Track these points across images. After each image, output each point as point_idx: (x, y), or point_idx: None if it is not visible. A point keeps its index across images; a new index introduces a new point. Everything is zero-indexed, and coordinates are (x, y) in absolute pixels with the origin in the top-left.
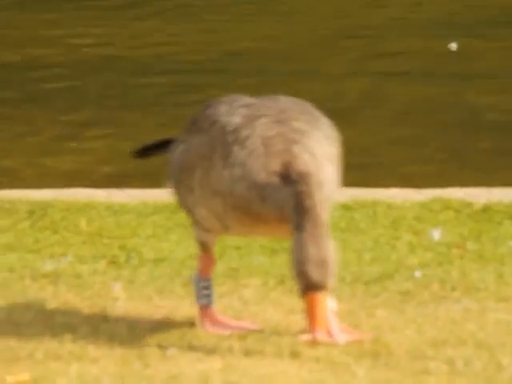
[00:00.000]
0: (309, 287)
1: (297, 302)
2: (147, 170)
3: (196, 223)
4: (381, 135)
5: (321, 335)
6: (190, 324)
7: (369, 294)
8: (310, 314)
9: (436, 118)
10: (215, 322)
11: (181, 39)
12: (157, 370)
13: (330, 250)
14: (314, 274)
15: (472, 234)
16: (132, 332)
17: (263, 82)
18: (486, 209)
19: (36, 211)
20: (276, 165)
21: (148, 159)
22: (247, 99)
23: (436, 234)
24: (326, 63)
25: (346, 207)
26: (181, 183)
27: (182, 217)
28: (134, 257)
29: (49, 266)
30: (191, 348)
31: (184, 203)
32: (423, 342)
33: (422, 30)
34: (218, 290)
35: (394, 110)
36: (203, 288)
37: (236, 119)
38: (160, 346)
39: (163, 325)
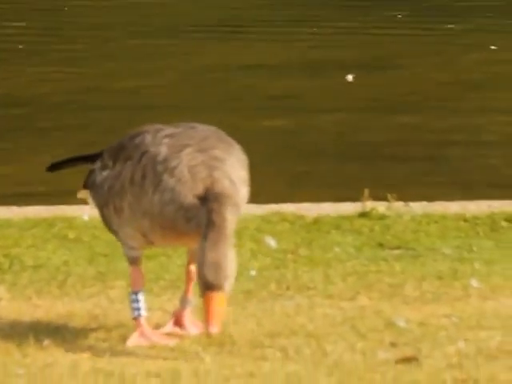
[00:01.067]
0: (206, 287)
1: (155, 301)
2: (26, 191)
3: (121, 241)
4: None
5: (214, 329)
6: (64, 320)
7: None
8: (207, 310)
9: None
10: (142, 335)
11: None
12: (34, 359)
13: (227, 255)
14: (210, 275)
15: (304, 242)
16: (13, 327)
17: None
18: (316, 221)
19: None
20: (200, 189)
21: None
22: (169, 129)
23: (273, 243)
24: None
25: None
26: (108, 206)
27: (58, 229)
28: (16, 263)
29: None
30: (64, 340)
31: (109, 223)
32: (261, 333)
33: None
34: (87, 291)
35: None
36: (134, 301)
37: (163, 149)
38: (37, 339)
39: (41, 321)
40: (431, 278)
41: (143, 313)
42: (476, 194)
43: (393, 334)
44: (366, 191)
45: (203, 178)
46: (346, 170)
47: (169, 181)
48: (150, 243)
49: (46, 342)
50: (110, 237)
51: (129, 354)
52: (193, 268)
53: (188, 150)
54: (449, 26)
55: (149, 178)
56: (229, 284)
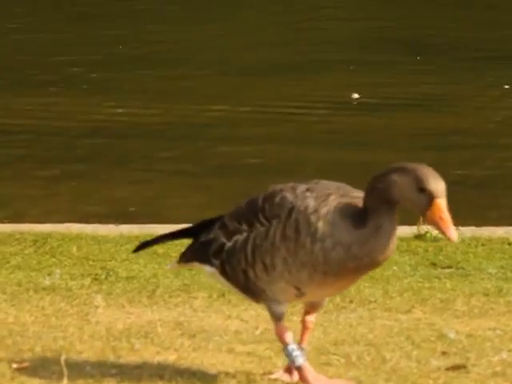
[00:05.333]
0: (436, 194)
1: (233, 311)
2: (122, 211)
3: (267, 298)
4: None
5: (455, 235)
6: (153, 326)
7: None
8: (441, 218)
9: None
10: (315, 377)
11: None
12: (127, 361)
13: None
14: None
15: None
16: (108, 331)
17: None
18: None
19: (39, 240)
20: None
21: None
22: (302, 185)
23: None
24: None
25: None
26: (254, 266)
27: None
28: (111, 275)
29: (47, 282)
30: (153, 344)
31: (253, 284)
32: (327, 341)
33: None
34: (173, 300)
35: None
36: (293, 351)
37: (311, 202)
38: (129, 343)
39: (132, 326)
40: (478, 294)
41: (302, 360)
42: None
43: (444, 344)
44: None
45: None
46: None
47: (325, 228)
48: (301, 296)
49: (138, 346)
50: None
51: (209, 356)
52: (309, 318)
53: (332, 197)
54: None
55: (303, 230)
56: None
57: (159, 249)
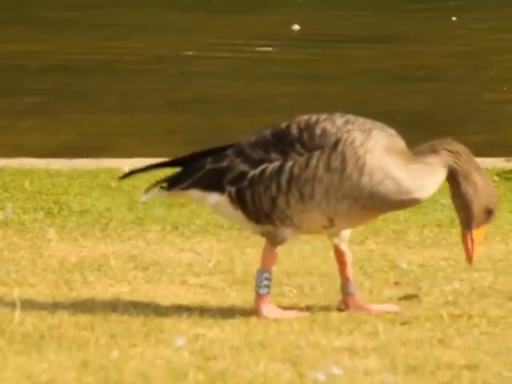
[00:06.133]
0: (488, 216)
1: (186, 243)
2: (75, 145)
3: (291, 224)
4: None
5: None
6: (106, 259)
7: (242, 237)
8: (477, 242)
9: None
10: (271, 309)
11: None
12: (79, 293)
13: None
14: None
15: None
16: (62, 264)
17: None
18: None
19: None
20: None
21: None
22: (338, 117)
23: None
24: None
25: None
26: (287, 195)
27: (102, 179)
28: (64, 209)
29: (0, 216)
30: (106, 276)
31: (280, 211)
32: (280, 273)
33: None
34: (126, 234)
35: None
36: (265, 279)
37: (357, 134)
38: (82, 275)
39: (85, 259)
40: (431, 225)
41: (267, 291)
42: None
43: (396, 274)
44: None
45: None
46: None
47: (373, 161)
48: (329, 227)
49: (91, 278)
50: (147, 186)
51: (162, 288)
52: (343, 248)
53: (375, 131)
54: None
55: (350, 162)
56: None
57: (112, 183)
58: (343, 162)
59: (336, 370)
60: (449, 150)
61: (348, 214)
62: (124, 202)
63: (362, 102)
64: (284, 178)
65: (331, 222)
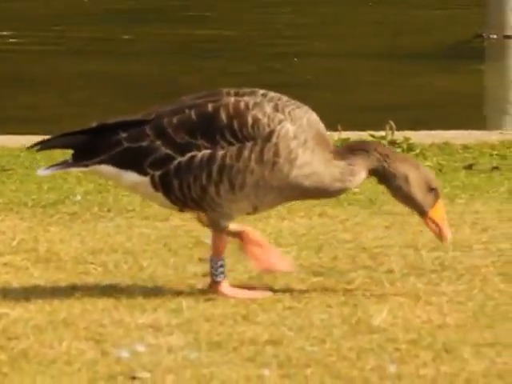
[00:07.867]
0: (436, 197)
1: None
2: None
3: (220, 212)
4: None
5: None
6: None
7: (46, 215)
8: (441, 220)
9: None
10: (232, 289)
11: None
12: None
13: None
14: (436, 182)
15: None
16: None
17: None
18: None
19: None
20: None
21: None
22: (266, 102)
23: None
24: None
25: None
26: (218, 184)
27: None
28: None
29: None
30: None
31: (209, 199)
32: (85, 251)
33: None
34: None
35: None
36: (220, 266)
37: (289, 127)
38: None
39: None
40: None
41: (223, 278)
42: None
43: (201, 250)
44: None
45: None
46: None
47: (305, 156)
48: (253, 213)
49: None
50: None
51: None
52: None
53: (305, 122)
54: None
55: (283, 155)
56: None
57: None
58: (276, 154)
59: (140, 348)
60: (379, 152)
61: (271, 203)
62: None
63: None
64: (215, 168)
65: (255, 210)
